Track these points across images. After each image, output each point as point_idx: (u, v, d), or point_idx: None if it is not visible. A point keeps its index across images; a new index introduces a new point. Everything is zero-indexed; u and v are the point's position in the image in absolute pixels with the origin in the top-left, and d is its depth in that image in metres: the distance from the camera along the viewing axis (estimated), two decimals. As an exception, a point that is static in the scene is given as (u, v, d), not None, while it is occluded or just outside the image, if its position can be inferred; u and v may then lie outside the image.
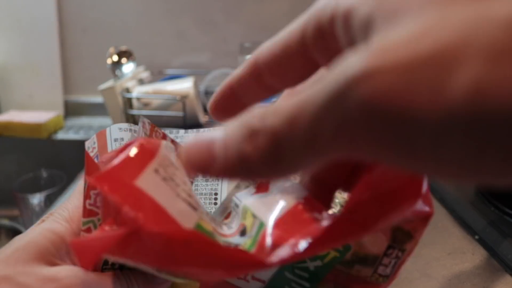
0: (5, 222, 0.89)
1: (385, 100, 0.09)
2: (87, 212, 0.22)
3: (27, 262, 0.20)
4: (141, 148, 0.18)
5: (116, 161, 0.17)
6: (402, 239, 0.20)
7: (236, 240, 0.20)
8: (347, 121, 0.10)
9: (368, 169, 0.16)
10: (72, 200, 0.24)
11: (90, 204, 0.21)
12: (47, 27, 1.02)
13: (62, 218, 0.23)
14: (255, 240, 0.18)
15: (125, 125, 0.25)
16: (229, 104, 0.17)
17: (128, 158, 0.17)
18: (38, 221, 0.23)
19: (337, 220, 0.15)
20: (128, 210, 0.15)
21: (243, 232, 0.20)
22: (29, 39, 1.03)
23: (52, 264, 0.21)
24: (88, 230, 0.23)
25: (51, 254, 0.21)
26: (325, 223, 0.16)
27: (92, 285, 0.21)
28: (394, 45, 0.10)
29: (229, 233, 0.20)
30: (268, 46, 0.16)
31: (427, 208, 0.18)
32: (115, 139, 0.23)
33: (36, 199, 0.82)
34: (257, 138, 0.12)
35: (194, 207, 0.18)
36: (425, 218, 0.19)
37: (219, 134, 0.13)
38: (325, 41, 0.14)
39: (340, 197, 0.22)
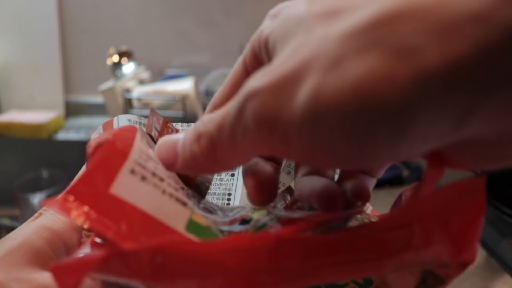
0: (6, 221, 0.89)
1: (264, 111, 0.13)
2: None
3: (21, 267, 0.18)
4: (111, 147, 0.15)
5: (83, 172, 0.15)
6: (432, 284, 0.17)
7: (235, 228, 0.18)
8: (247, 127, 0.14)
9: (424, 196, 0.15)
10: None
11: None
12: (47, 27, 1.02)
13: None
14: (263, 226, 0.17)
15: (134, 117, 0.23)
16: None
17: (96, 164, 0.15)
18: (36, 214, 0.21)
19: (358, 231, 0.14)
20: (104, 229, 0.13)
21: (245, 221, 0.18)
22: (30, 39, 1.03)
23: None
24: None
25: (48, 256, 0.20)
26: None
27: None
28: (272, 68, 0.13)
29: (224, 221, 0.19)
30: (220, 90, 0.19)
31: (471, 255, 0.16)
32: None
33: (36, 198, 0.82)
34: (201, 140, 0.15)
35: (184, 202, 0.16)
36: (462, 266, 0.16)
37: (181, 136, 0.17)
38: (260, 64, 0.17)
39: (365, 215, 0.20)
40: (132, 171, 0.15)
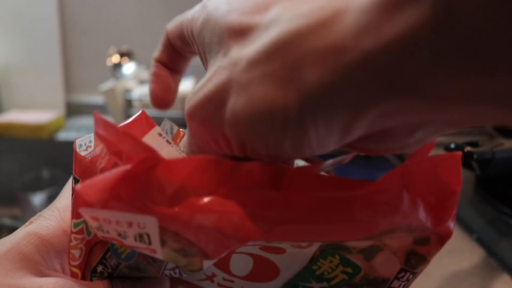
0: (7, 221, 0.90)
1: (188, 116, 0.16)
2: (78, 213, 0.21)
3: (9, 272, 0.19)
4: (142, 115, 0.19)
5: (120, 125, 0.18)
6: (416, 263, 0.19)
7: None
8: (197, 135, 0.17)
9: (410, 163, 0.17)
10: (62, 200, 0.23)
11: None
12: (48, 28, 1.02)
13: (52, 218, 0.22)
14: None
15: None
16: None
17: (130, 123, 0.18)
18: (27, 223, 0.21)
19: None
20: (140, 142, 0.15)
21: None
22: (31, 40, 1.03)
23: (38, 272, 0.20)
24: (81, 232, 0.21)
25: (37, 262, 0.20)
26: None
27: None
28: (199, 89, 0.16)
29: None
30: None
31: (449, 232, 0.18)
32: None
33: (37, 198, 0.82)
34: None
35: None
36: (441, 241, 0.18)
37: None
38: (183, 40, 0.20)
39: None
40: (160, 134, 0.18)
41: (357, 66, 0.12)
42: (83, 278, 0.22)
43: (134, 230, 0.15)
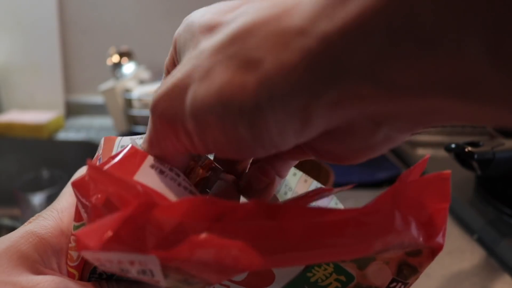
0: (6, 221, 0.89)
1: (165, 113, 0.16)
2: (80, 216, 0.21)
3: (6, 269, 0.19)
4: (132, 150, 0.19)
5: (109, 163, 0.18)
6: (408, 274, 0.19)
7: None
8: (158, 128, 0.17)
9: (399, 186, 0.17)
10: (61, 201, 0.23)
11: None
12: (48, 28, 1.02)
13: (51, 218, 0.22)
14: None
15: (137, 137, 0.24)
16: None
17: (121, 160, 0.18)
18: (26, 223, 0.22)
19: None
20: (138, 187, 0.15)
21: None
22: (30, 40, 1.03)
23: (35, 270, 0.20)
24: None
25: (35, 260, 0.20)
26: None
27: None
28: (167, 79, 0.16)
29: None
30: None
31: (438, 243, 0.18)
32: (122, 146, 0.22)
33: (37, 198, 0.82)
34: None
35: (195, 194, 0.18)
36: (433, 253, 0.19)
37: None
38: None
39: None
40: (152, 166, 0.18)
41: (312, 49, 0.12)
42: (81, 278, 0.22)
43: (137, 268, 0.15)
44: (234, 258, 0.14)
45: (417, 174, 0.18)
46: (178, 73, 0.16)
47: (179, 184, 0.18)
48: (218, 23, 0.15)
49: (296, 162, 0.21)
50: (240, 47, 0.13)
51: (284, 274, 0.21)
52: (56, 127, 0.99)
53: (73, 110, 1.09)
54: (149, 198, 0.15)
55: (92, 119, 1.07)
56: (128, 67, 0.91)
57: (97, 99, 1.05)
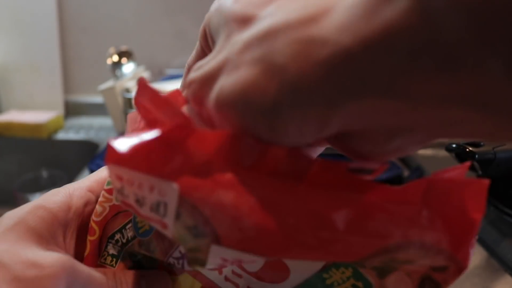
0: (6, 222, 0.89)
1: (196, 96, 0.17)
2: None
3: (14, 242, 0.19)
4: (178, 92, 0.20)
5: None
6: None
7: None
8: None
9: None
10: (74, 183, 0.24)
11: None
12: (47, 27, 1.02)
13: (61, 194, 0.23)
14: None
15: None
16: None
17: (170, 94, 0.19)
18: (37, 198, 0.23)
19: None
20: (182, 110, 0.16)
21: None
22: (30, 39, 1.03)
23: (43, 244, 0.20)
24: (110, 192, 0.22)
25: (42, 235, 0.21)
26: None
27: (77, 279, 0.20)
28: (203, 64, 0.17)
29: None
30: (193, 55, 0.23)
31: (466, 261, 0.17)
32: None
33: (36, 198, 0.82)
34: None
35: None
36: (459, 271, 0.17)
37: None
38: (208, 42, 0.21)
39: None
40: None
41: (335, 60, 0.12)
42: (100, 237, 0.23)
43: (153, 197, 0.15)
44: (250, 208, 0.14)
45: (455, 175, 0.17)
46: (213, 60, 0.16)
47: None
48: (251, 17, 0.15)
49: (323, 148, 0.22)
50: (267, 49, 0.14)
51: (300, 271, 0.20)
52: (55, 127, 0.99)
53: (72, 110, 1.09)
54: (188, 122, 0.15)
55: (91, 119, 1.07)
56: (128, 67, 0.91)
57: (97, 99, 1.05)
